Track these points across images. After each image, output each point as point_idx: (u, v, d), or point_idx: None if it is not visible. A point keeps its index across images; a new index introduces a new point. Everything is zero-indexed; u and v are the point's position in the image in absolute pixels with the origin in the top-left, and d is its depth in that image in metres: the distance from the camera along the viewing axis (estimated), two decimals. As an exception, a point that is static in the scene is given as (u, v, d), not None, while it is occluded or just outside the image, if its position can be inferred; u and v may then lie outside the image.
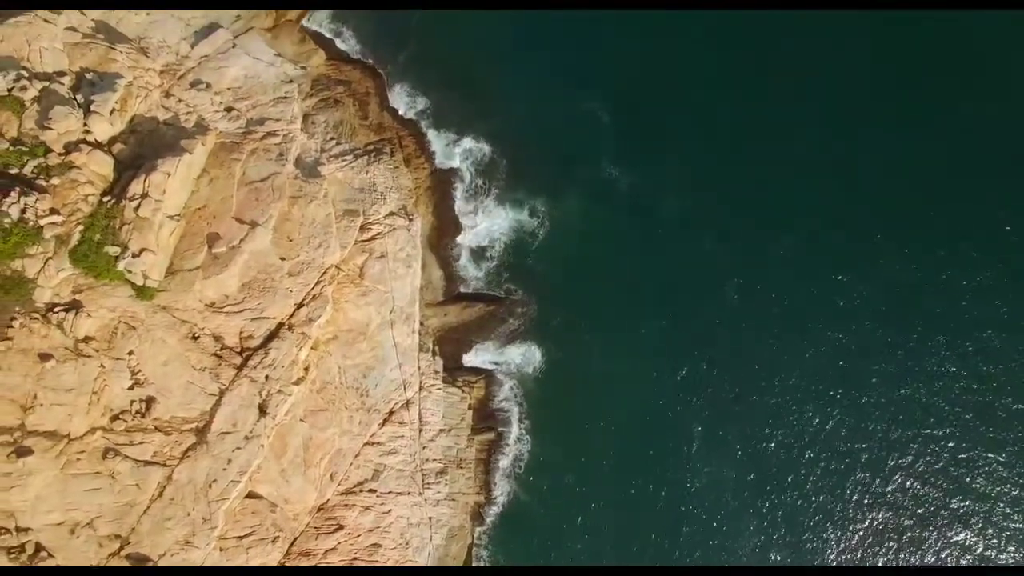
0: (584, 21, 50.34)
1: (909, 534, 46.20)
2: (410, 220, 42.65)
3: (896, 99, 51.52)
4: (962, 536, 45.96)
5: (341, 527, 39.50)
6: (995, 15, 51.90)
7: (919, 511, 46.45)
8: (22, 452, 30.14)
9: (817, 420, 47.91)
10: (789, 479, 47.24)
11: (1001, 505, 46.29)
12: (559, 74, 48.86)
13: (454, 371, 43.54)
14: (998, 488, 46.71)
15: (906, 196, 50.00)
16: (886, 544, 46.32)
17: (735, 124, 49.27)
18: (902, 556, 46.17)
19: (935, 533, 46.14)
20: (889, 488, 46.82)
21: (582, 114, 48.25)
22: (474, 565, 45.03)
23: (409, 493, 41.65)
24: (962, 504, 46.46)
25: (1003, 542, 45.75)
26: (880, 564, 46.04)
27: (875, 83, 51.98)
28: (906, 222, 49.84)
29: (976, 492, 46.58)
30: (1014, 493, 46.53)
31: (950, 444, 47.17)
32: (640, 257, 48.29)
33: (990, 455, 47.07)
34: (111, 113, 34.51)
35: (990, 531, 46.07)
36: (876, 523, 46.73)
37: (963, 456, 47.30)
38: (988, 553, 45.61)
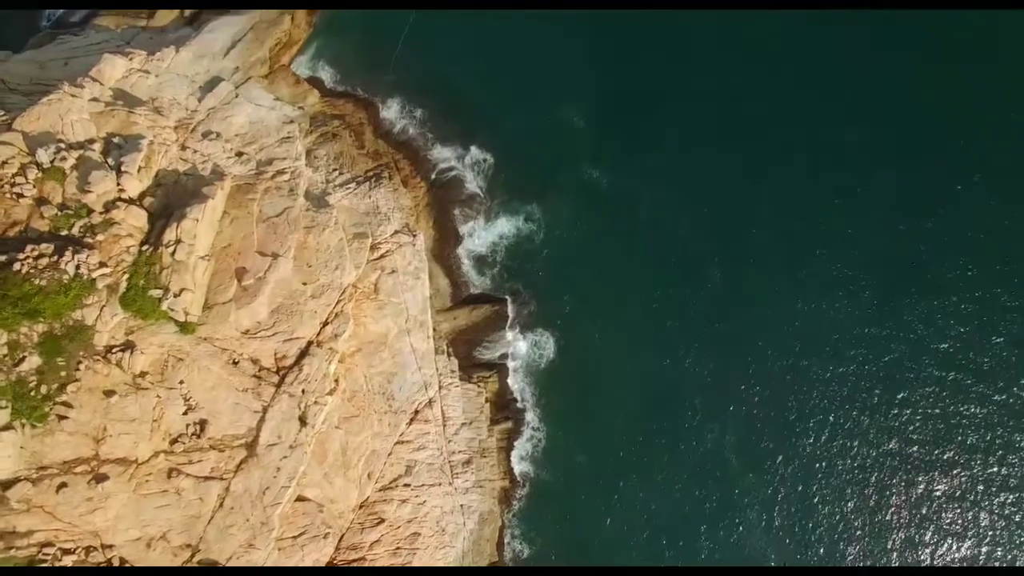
0: (551, 32, 53.97)
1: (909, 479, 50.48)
2: (414, 236, 46.64)
3: (853, 91, 55.38)
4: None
5: (382, 520, 43.46)
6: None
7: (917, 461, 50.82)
8: (99, 478, 34.05)
9: (809, 380, 51.81)
10: (785, 435, 51.23)
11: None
12: (533, 86, 52.61)
13: (469, 369, 47.53)
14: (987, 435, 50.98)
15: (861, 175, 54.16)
16: (890, 502, 50.43)
17: (702, 120, 53.18)
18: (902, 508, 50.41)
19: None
20: (887, 447, 50.69)
21: (558, 121, 52.13)
22: (507, 544, 49.00)
23: (440, 484, 45.58)
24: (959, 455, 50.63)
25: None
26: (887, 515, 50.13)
27: (829, 76, 55.74)
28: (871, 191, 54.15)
29: (967, 444, 50.75)
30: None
31: (939, 401, 51.28)
32: (629, 248, 52.05)
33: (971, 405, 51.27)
34: (139, 171, 38.36)
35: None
36: (874, 472, 50.88)
37: (952, 408, 51.42)
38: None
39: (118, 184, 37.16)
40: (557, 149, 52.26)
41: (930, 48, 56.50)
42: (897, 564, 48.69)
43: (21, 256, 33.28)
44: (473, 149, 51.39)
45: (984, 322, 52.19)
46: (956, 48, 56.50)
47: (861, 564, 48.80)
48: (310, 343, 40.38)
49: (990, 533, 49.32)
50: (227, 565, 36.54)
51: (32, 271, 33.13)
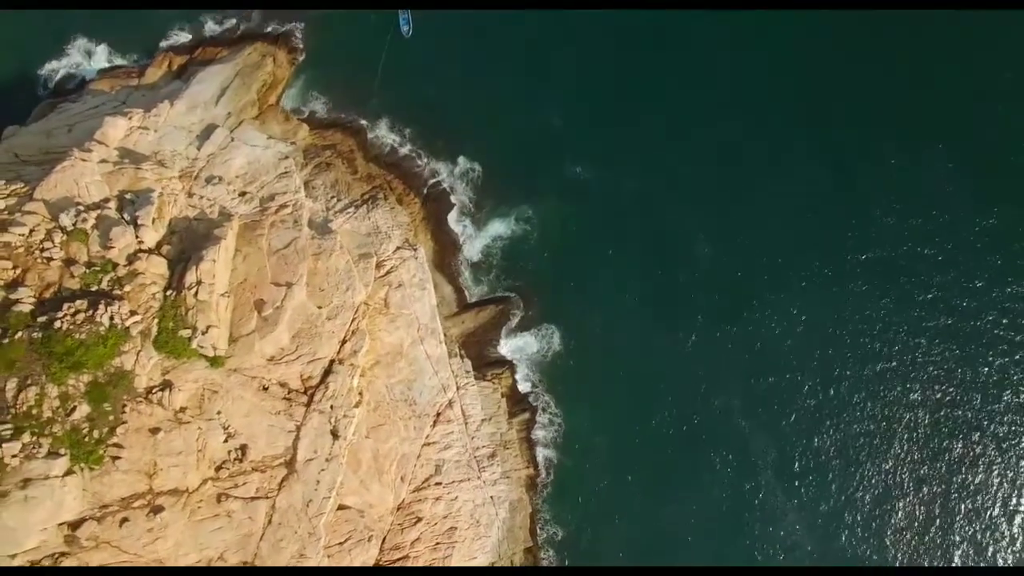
0: (523, 41, 56.58)
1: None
2: (415, 250, 49.40)
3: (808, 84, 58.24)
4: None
5: (420, 519, 46.26)
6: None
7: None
8: (156, 510, 36.74)
9: (805, 342, 54.80)
10: (788, 395, 54.08)
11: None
12: (510, 93, 55.35)
13: (482, 367, 50.36)
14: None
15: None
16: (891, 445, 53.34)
17: (674, 111, 56.06)
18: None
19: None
20: (873, 391, 54.09)
21: (538, 124, 54.91)
22: (540, 529, 51.71)
23: (469, 479, 48.36)
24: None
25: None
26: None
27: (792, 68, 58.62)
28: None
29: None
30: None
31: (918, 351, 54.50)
32: (619, 236, 54.98)
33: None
34: (153, 222, 40.97)
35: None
36: (872, 421, 53.89)
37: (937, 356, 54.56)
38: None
39: (137, 237, 39.82)
40: (540, 150, 54.99)
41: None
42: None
43: (60, 315, 35.94)
44: (460, 160, 54.04)
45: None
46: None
47: (869, 501, 51.94)
48: (332, 361, 43.11)
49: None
50: (282, 576, 39.31)
51: (72, 327, 35.81)
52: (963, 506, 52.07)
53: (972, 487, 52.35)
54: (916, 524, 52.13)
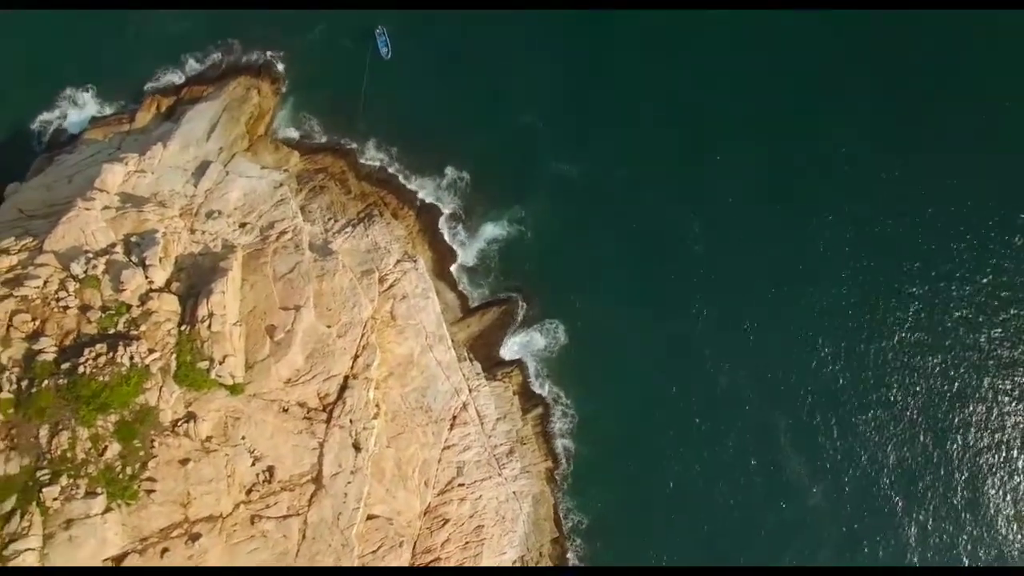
0: (496, 49, 57.90)
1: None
2: (414, 261, 50.81)
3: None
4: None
5: (447, 520, 47.68)
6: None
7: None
8: (194, 537, 38.07)
9: (800, 311, 56.36)
10: (790, 362, 55.61)
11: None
12: (490, 101, 56.80)
13: (492, 368, 51.85)
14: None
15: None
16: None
17: (651, 104, 57.71)
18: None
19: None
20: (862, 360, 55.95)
21: (520, 127, 56.40)
22: (564, 519, 53.10)
23: (491, 477, 49.80)
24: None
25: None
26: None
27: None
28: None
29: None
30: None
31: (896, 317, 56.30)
32: (610, 227, 56.61)
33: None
34: (160, 261, 42.24)
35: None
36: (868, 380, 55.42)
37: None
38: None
39: (146, 277, 41.16)
40: (525, 152, 56.47)
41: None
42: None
43: (82, 360, 37.27)
44: (448, 170, 55.42)
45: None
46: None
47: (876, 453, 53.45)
48: (347, 377, 44.49)
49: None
50: (322, 588, 40.71)
51: (95, 370, 37.15)
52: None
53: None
54: (919, 476, 54.03)
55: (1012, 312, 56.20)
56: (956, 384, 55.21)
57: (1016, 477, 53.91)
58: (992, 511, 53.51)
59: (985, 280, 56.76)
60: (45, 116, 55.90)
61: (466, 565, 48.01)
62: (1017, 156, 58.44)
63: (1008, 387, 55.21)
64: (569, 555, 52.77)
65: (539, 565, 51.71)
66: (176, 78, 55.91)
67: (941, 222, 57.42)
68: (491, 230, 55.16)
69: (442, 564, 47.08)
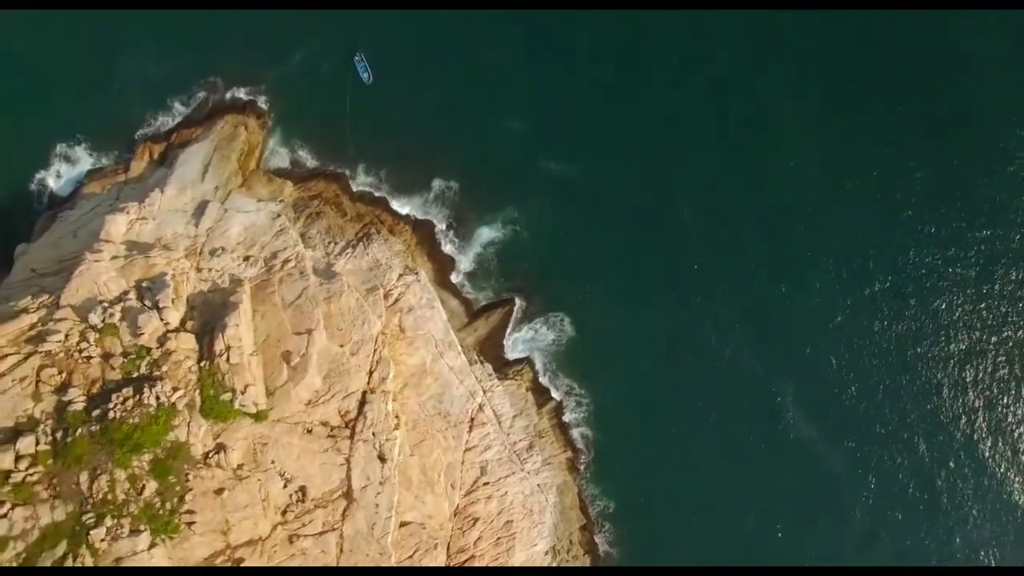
0: (471, 58, 59.17)
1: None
2: (416, 274, 52.32)
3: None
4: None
5: (477, 519, 49.23)
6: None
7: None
8: (237, 562, 39.67)
9: (790, 280, 58.21)
10: (791, 334, 57.21)
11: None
12: (470, 111, 57.86)
13: (503, 367, 53.49)
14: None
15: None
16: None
17: (630, 99, 59.08)
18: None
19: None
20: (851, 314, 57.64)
21: (503, 132, 57.73)
22: (590, 505, 54.62)
23: (514, 473, 51.36)
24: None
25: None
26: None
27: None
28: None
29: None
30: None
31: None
32: (603, 219, 58.12)
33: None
34: (172, 302, 43.79)
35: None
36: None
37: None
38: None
39: (162, 319, 42.68)
40: (511, 155, 57.87)
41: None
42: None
43: (111, 405, 38.75)
44: (437, 182, 56.69)
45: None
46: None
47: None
48: (364, 393, 46.03)
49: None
50: (364, 597, 42.24)
51: (124, 414, 38.66)
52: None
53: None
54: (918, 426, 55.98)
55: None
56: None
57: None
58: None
59: (987, 233, 58.50)
60: (41, 175, 56.55)
61: (499, 560, 49.57)
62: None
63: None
64: (599, 540, 54.40)
65: (570, 553, 53.31)
66: (164, 123, 56.64)
67: (937, 191, 59.16)
68: (486, 233, 56.62)
69: (476, 562, 48.68)
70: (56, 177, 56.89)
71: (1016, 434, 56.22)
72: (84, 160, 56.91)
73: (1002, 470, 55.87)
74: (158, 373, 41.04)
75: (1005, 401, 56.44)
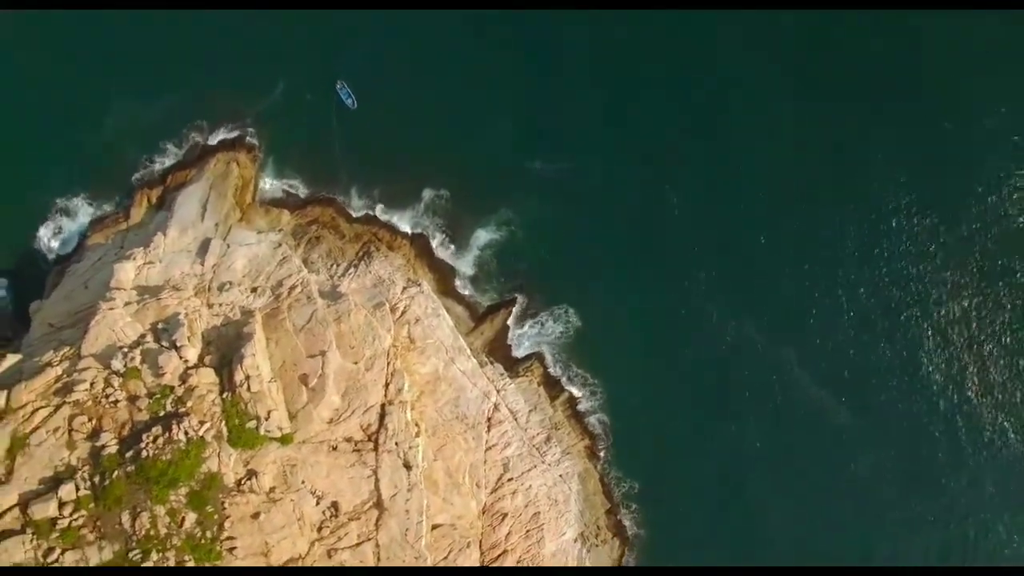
0: (452, 68, 60.40)
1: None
2: (419, 285, 53.90)
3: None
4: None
5: (505, 515, 50.79)
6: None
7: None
8: (281, 581, 41.29)
9: (786, 255, 59.69)
10: (789, 308, 59.05)
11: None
12: (455, 122, 59.10)
13: (513, 366, 55.17)
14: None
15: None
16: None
17: (606, 92, 60.52)
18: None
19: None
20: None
21: (487, 137, 59.02)
22: (613, 489, 56.04)
23: (535, 466, 52.91)
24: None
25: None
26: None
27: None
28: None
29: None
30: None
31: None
32: (596, 211, 59.53)
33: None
34: (188, 340, 45.39)
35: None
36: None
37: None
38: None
39: (181, 357, 44.24)
40: (497, 159, 59.22)
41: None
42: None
43: (142, 445, 40.33)
44: (428, 192, 57.98)
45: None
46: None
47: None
48: (383, 405, 47.62)
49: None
50: (406, 600, 43.81)
51: (156, 452, 40.23)
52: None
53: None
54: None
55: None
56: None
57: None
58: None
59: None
60: (43, 232, 57.47)
61: (531, 552, 51.13)
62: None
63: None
64: (627, 521, 55.74)
65: (599, 537, 54.79)
66: (158, 166, 57.76)
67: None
68: (483, 236, 57.98)
69: (509, 555, 50.24)
70: (58, 232, 58.01)
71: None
72: (83, 210, 57.82)
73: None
74: (183, 409, 42.58)
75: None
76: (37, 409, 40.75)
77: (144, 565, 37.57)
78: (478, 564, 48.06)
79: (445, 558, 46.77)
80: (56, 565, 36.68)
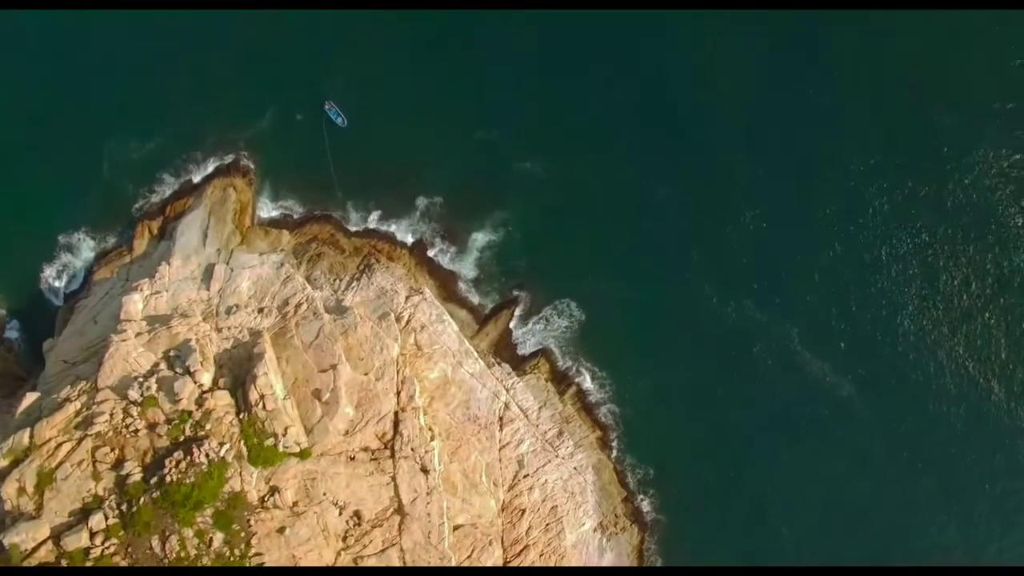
0: (435, 82, 61.18)
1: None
2: (421, 293, 54.88)
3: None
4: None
5: (524, 511, 51.77)
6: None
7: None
8: (311, 592, 42.28)
9: (779, 232, 60.66)
10: (781, 278, 59.93)
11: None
12: (444, 131, 59.79)
13: (519, 364, 56.15)
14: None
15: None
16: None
17: (589, 93, 61.27)
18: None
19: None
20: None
21: (477, 142, 59.97)
22: (628, 478, 56.95)
23: (550, 461, 53.89)
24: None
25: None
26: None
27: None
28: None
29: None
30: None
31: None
32: (589, 206, 60.37)
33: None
34: (201, 364, 46.46)
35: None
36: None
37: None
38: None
39: (195, 382, 45.26)
40: (489, 163, 60.08)
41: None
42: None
43: (165, 471, 41.35)
44: (423, 201, 58.91)
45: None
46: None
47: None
48: (396, 413, 48.64)
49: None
50: (434, 601, 44.80)
51: (179, 476, 41.24)
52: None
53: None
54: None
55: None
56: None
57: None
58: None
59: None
60: (48, 271, 58.34)
61: (552, 545, 52.11)
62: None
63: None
64: (644, 507, 56.64)
65: (618, 526, 55.70)
66: (157, 197, 58.64)
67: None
68: (480, 239, 58.88)
69: (531, 550, 51.22)
70: (64, 269, 58.85)
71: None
72: (86, 245, 58.55)
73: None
74: (203, 432, 43.61)
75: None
76: (60, 444, 41.80)
77: (177, 586, 38.58)
78: (501, 561, 49.07)
79: (469, 557, 47.76)
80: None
